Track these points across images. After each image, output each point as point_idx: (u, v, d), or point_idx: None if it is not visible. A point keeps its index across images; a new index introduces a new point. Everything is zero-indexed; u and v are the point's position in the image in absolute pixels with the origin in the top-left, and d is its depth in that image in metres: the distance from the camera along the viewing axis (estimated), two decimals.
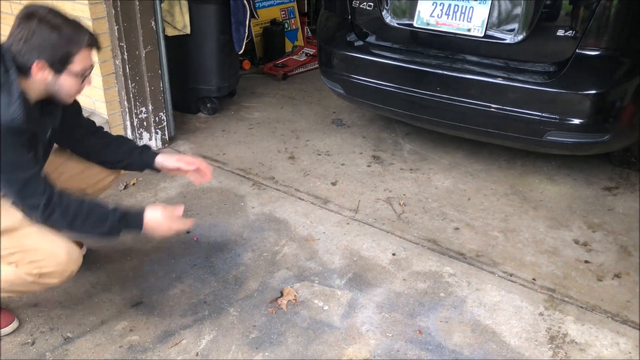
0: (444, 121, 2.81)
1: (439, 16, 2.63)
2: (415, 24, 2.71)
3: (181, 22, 3.48)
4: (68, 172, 2.00)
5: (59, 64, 1.59)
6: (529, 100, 2.48)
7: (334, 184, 3.01)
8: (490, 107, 2.56)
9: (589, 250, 2.46)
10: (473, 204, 2.82)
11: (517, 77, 2.50)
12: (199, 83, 3.70)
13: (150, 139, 3.25)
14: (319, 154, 3.35)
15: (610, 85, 2.35)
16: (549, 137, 2.49)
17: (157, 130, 3.27)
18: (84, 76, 1.66)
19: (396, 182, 3.03)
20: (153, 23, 3.03)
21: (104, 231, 1.69)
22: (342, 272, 2.28)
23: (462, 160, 3.26)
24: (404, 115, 3.07)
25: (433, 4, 2.64)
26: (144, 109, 3.15)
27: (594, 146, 2.52)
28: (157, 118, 3.24)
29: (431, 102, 2.74)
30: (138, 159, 2.05)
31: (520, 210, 2.77)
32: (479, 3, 2.51)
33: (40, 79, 1.59)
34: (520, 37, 2.45)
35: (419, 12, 2.69)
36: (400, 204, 2.81)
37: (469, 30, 2.57)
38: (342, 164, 3.23)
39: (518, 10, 2.44)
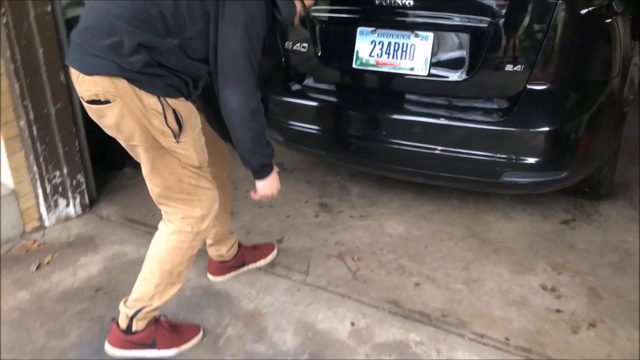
0: (393, 166, 2.60)
1: (379, 55, 2.44)
2: (354, 65, 2.51)
3: None
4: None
5: None
6: (482, 141, 2.32)
7: (280, 241, 2.73)
8: (442, 149, 2.37)
9: (558, 297, 2.29)
10: (431, 252, 2.61)
11: (467, 117, 2.34)
12: None
13: (67, 206, 2.88)
14: (261, 206, 3.07)
15: (565, 120, 2.22)
16: (506, 179, 2.32)
17: (76, 194, 2.90)
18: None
19: (347, 232, 2.79)
20: (63, 76, 2.69)
21: (264, 152, 1.86)
22: (297, 352, 2.00)
23: (412, 202, 3.06)
24: (350, 161, 2.85)
25: (372, 43, 2.44)
26: (57, 173, 2.78)
27: (553, 184, 2.38)
28: (74, 181, 2.87)
29: (377, 147, 2.54)
30: None
31: (481, 254, 2.59)
32: (421, 40, 2.34)
33: None
34: (467, 74, 2.29)
35: (358, 51, 2.49)
36: (354, 259, 2.56)
37: (412, 69, 2.39)
38: (287, 216, 2.96)
39: (463, 46, 2.28)
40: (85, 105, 1.70)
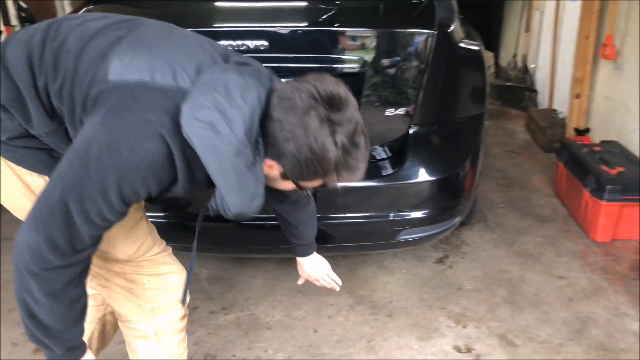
0: (265, 246, 2.07)
1: None
2: None
3: None
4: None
5: (293, 178, 1.12)
6: (371, 200, 1.95)
7: None
8: (330, 217, 1.94)
9: (477, 357, 2.04)
10: (324, 338, 2.16)
11: None
12: None
13: None
14: None
15: (456, 163, 1.98)
16: (402, 237, 1.99)
17: None
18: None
19: (214, 337, 2.18)
20: None
21: (43, 340, 1.12)
22: None
23: (278, 274, 2.57)
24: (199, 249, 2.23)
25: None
26: None
27: (446, 232, 2.13)
28: None
29: (236, 227, 1.98)
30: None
31: (378, 325, 2.22)
32: None
33: (265, 171, 1.12)
34: None
35: None
36: None
37: None
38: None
39: None
40: None
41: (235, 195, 1.07)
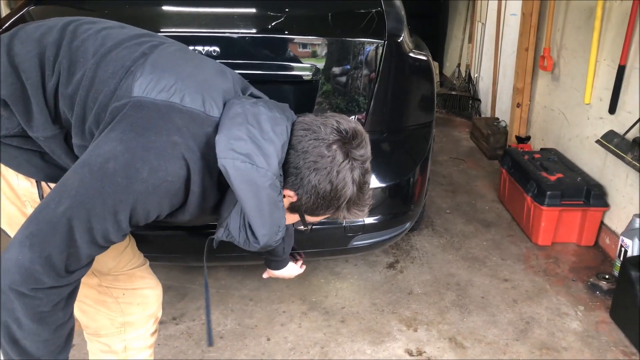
0: (219, 255, 2.04)
1: None
2: None
3: None
4: None
5: (304, 211, 1.15)
6: None
7: None
8: None
9: None
10: (277, 345, 2.14)
11: None
12: None
13: None
14: None
15: (407, 171, 2.02)
16: (355, 243, 2.01)
17: None
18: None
19: (165, 348, 2.13)
20: None
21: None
22: None
23: (230, 282, 2.54)
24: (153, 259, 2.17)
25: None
26: None
27: (397, 237, 2.16)
28: None
29: (192, 236, 1.95)
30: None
31: (331, 331, 2.23)
32: None
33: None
34: None
35: None
36: None
37: None
38: None
39: (286, 100, 1.88)
40: None
41: (266, 227, 1.08)
